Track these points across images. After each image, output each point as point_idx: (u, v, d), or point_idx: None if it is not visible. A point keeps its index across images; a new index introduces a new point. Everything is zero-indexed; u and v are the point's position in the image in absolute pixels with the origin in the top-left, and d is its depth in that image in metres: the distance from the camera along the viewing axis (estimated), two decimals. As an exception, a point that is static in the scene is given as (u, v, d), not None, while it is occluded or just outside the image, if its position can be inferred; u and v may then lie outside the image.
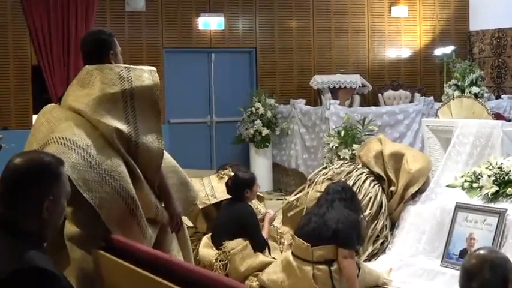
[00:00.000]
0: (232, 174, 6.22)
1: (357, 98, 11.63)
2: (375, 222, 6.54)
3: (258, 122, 10.67)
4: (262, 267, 5.68)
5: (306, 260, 5.32)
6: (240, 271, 5.60)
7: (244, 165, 10.76)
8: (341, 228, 5.24)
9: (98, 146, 3.43)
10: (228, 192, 5.98)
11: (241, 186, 5.91)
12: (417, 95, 11.79)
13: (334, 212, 5.35)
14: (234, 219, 5.75)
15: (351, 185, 6.60)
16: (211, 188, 6.23)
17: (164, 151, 3.66)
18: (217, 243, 5.75)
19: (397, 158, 6.81)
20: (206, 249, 5.75)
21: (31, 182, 2.33)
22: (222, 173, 6.45)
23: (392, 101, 11.95)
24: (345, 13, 12.24)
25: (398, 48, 12.59)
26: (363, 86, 11.61)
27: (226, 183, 6.00)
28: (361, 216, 5.71)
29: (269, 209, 6.54)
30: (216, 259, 5.61)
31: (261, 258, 5.73)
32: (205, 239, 5.87)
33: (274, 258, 5.82)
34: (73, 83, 3.72)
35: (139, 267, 2.87)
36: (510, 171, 5.93)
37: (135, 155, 3.52)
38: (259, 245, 5.81)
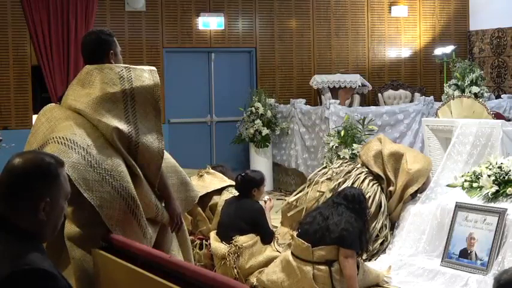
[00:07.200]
0: (211, 171, 6.50)
1: (356, 98, 11.63)
2: (374, 222, 6.53)
3: (258, 121, 10.66)
4: (268, 262, 5.76)
5: (306, 260, 5.32)
6: (245, 267, 5.72)
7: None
8: (344, 232, 5.26)
9: (98, 146, 3.43)
10: (236, 189, 6.13)
11: (248, 184, 6.01)
12: (417, 94, 11.79)
13: (339, 217, 5.36)
14: (244, 216, 5.86)
15: (349, 184, 6.60)
16: None
17: (164, 151, 3.66)
18: (225, 237, 5.85)
19: (397, 157, 6.80)
20: (217, 243, 5.88)
21: (28, 183, 2.32)
22: (202, 172, 6.64)
23: (392, 100, 11.95)
24: (345, 13, 12.24)
25: (398, 48, 12.59)
26: (363, 85, 11.60)
27: (236, 179, 6.14)
28: (366, 226, 5.66)
29: (266, 196, 6.62)
30: (229, 252, 5.70)
31: (267, 253, 5.83)
32: (213, 234, 6.00)
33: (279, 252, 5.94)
34: (73, 82, 3.71)
35: (139, 267, 2.88)
36: (510, 170, 5.93)
37: (135, 154, 3.52)
38: (269, 237, 5.97)
